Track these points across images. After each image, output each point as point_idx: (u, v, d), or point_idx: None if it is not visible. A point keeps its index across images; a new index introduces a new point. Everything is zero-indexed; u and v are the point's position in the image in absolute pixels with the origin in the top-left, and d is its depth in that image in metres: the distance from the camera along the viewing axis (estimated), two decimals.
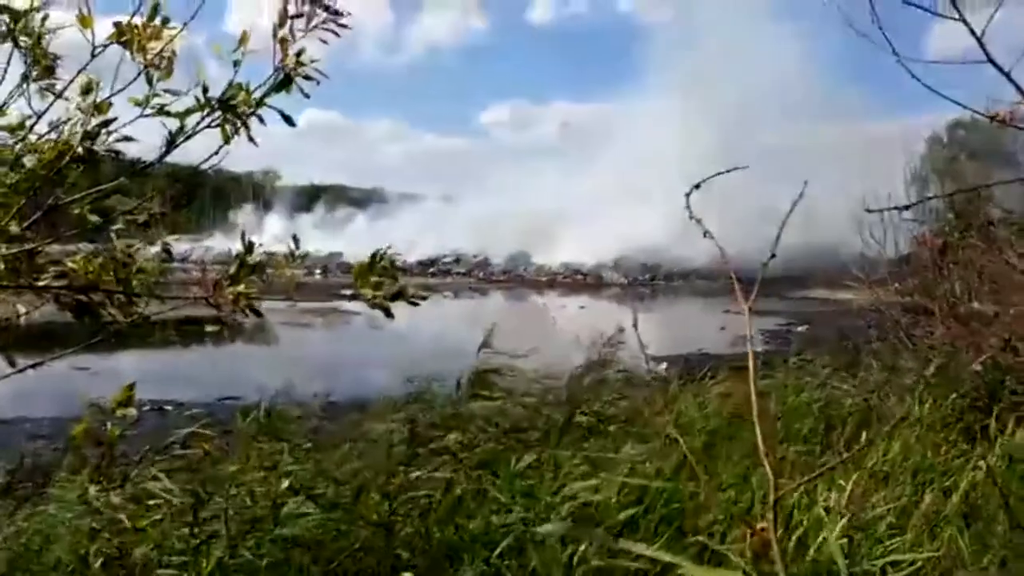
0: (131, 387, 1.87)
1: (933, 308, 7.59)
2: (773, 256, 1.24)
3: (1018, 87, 1.29)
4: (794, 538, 2.93)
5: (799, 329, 20.28)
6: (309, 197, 61.40)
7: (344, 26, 2.04)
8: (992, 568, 2.79)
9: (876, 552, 2.89)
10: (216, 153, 2.05)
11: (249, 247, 2.20)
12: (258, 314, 2.24)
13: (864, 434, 4.66)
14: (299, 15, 2.02)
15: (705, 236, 1.38)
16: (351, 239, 46.68)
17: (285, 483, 2.62)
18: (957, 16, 1.14)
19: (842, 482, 3.76)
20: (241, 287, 2.18)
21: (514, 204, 45.91)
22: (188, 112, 1.97)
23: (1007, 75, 1.23)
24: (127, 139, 1.78)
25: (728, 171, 1.25)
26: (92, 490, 2.54)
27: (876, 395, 5.77)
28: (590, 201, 45.54)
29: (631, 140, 52.92)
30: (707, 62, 53.56)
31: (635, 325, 1.61)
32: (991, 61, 1.17)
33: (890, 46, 1.30)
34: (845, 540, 2.77)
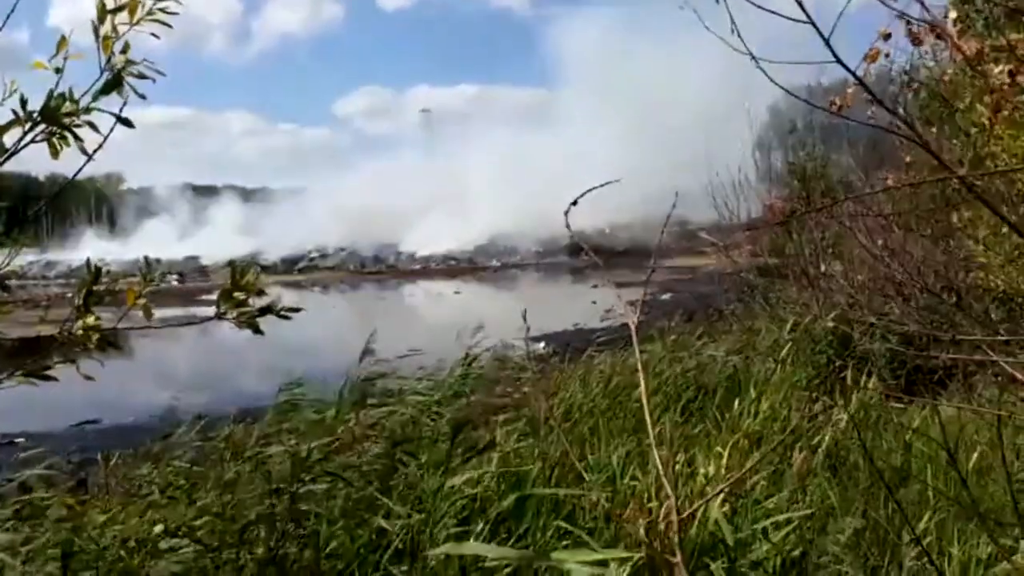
0: None
1: (785, 271, 8.11)
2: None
3: (860, 81, 1.36)
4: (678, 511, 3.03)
5: (663, 297, 21.13)
6: (159, 200, 57.83)
7: (173, 12, 1.86)
8: (858, 516, 3.01)
9: (756, 514, 3.05)
10: (78, 172, 1.85)
11: (96, 274, 2.01)
12: (114, 346, 2.06)
13: (737, 400, 4.90)
14: (120, 8, 1.82)
15: (573, 239, 1.40)
16: (208, 241, 44.38)
17: (159, 527, 2.42)
18: (806, 19, 1.18)
19: (719, 448, 3.94)
20: (91, 319, 2.00)
21: (379, 193, 45.07)
22: (6, 127, 1.77)
23: (852, 73, 1.29)
24: None
25: (602, 185, 1.25)
26: None
27: (742, 359, 6.09)
28: (456, 187, 45.45)
29: (493, 125, 53.20)
30: (568, 44, 54.46)
31: (524, 316, 1.61)
32: (840, 62, 1.22)
33: (736, 32, 1.34)
34: (728, 508, 2.90)
